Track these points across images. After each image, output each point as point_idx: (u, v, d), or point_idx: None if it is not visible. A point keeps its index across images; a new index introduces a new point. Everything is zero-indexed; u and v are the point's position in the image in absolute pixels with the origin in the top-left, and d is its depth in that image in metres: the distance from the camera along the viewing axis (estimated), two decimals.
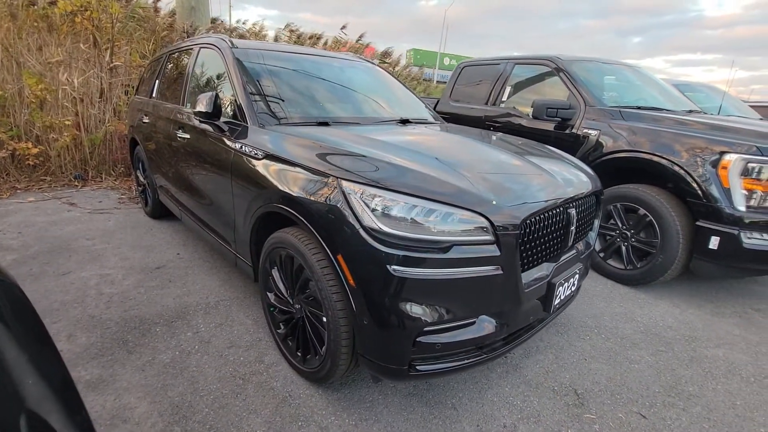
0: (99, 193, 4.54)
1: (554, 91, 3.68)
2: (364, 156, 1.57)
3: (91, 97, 5.15)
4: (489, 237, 1.37)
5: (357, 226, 1.36)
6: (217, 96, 2.09)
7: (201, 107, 2.08)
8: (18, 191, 4.30)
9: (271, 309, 1.93)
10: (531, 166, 1.84)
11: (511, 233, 1.39)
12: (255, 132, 1.97)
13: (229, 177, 2.07)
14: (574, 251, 1.82)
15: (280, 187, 1.68)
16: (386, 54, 10.55)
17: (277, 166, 1.75)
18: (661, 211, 2.67)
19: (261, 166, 1.83)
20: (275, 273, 1.84)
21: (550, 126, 3.47)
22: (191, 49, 2.90)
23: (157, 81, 3.41)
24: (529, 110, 3.52)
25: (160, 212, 3.58)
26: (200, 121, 2.28)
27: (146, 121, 3.33)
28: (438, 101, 4.91)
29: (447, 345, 1.41)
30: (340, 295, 1.46)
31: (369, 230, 1.34)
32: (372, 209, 1.36)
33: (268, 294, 1.92)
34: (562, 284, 1.68)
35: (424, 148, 1.85)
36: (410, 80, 11.87)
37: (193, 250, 3.10)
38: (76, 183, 4.77)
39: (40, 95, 4.67)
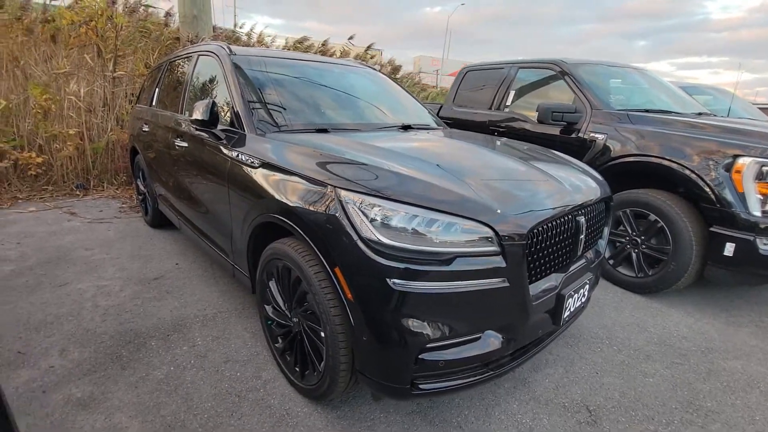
0: (100, 202, 4.53)
1: (559, 94, 3.61)
2: (363, 164, 1.51)
3: (95, 106, 5.16)
4: (494, 248, 1.30)
5: (355, 237, 1.29)
6: (214, 103, 2.05)
7: (198, 115, 2.04)
8: (19, 201, 4.28)
9: (269, 322, 1.86)
10: (537, 173, 1.77)
11: (517, 243, 1.32)
12: (252, 140, 1.92)
13: (225, 186, 2.02)
14: (583, 260, 1.74)
15: (277, 197, 1.62)
16: None
17: (273, 174, 1.69)
18: (672, 217, 2.58)
19: (257, 174, 1.77)
20: (272, 285, 1.78)
21: (555, 130, 3.39)
22: (190, 56, 2.87)
23: (156, 89, 3.39)
24: (534, 114, 3.46)
25: (159, 221, 3.54)
26: (197, 129, 2.24)
27: (146, 129, 3.31)
28: (441, 107, 4.86)
29: (451, 362, 1.33)
30: (338, 310, 1.39)
31: (367, 242, 1.28)
32: (371, 219, 1.30)
33: (266, 306, 1.85)
34: (571, 296, 1.60)
35: (426, 154, 1.79)
36: None
37: (192, 260, 3.05)
38: (78, 192, 4.76)
39: (45, 105, 4.68)
